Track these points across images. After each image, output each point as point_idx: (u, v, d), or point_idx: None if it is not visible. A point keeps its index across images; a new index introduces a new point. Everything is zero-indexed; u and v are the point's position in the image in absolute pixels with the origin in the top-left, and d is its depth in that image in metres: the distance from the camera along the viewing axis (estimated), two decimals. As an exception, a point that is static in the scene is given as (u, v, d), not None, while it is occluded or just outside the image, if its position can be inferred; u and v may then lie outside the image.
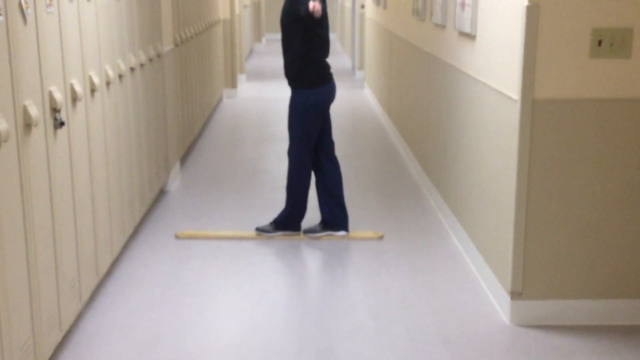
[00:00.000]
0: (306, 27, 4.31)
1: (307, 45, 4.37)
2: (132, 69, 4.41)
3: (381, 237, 4.66)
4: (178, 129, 6.11)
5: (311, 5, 4.11)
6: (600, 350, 3.22)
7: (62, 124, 3.04)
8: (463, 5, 4.26)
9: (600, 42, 3.20)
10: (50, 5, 2.97)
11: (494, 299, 3.70)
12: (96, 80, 3.58)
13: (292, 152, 4.56)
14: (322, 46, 4.45)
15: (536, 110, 3.28)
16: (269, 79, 12.35)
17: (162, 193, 5.56)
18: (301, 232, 4.68)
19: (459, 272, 4.10)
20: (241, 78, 11.47)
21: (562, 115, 3.28)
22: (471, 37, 4.16)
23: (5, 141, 2.49)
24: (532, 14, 3.19)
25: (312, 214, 4.91)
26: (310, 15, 4.15)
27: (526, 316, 3.45)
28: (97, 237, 3.63)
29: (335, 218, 4.64)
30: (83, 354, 3.17)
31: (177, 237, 4.66)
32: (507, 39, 3.48)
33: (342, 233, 4.65)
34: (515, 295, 3.45)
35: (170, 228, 4.81)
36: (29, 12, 2.74)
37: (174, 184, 5.84)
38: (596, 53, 3.21)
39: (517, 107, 3.32)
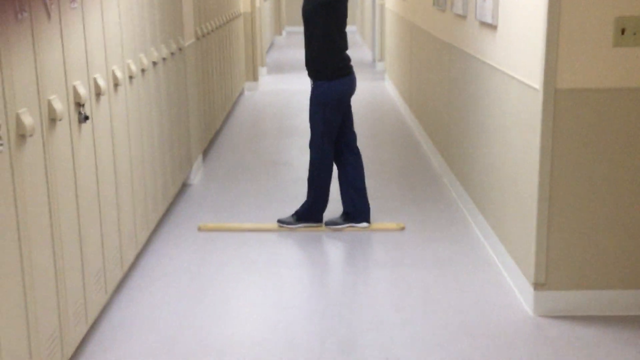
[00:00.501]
0: (328, 16, 4.31)
1: (329, 36, 4.38)
2: (154, 63, 4.43)
3: (403, 229, 4.66)
4: (200, 122, 6.13)
5: None
6: (627, 341, 3.20)
7: (86, 118, 3.06)
8: (484, -5, 4.24)
9: (623, 31, 3.17)
10: (74, 1, 3.00)
11: (516, 290, 3.69)
12: (119, 74, 3.60)
13: (313, 145, 4.57)
14: (343, 38, 4.46)
15: (558, 100, 3.26)
16: (289, 71, 12.35)
17: (184, 186, 5.59)
18: (323, 224, 4.69)
19: (481, 263, 4.08)
20: (262, 71, 11.48)
21: (585, 105, 3.26)
22: (492, 27, 4.13)
23: (31, 135, 2.52)
24: (555, 3, 3.16)
25: (334, 206, 4.91)
26: None
27: (550, 307, 3.44)
28: (121, 231, 3.66)
29: (357, 210, 4.64)
30: (108, 345, 3.21)
31: (199, 229, 4.68)
32: (529, 28, 3.45)
33: (364, 224, 4.65)
34: (538, 285, 3.44)
35: (193, 221, 4.84)
36: (53, 8, 2.77)
37: (197, 177, 5.87)
38: (619, 41, 3.18)
39: (539, 97, 3.30)
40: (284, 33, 19.38)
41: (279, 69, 12.69)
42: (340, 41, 4.45)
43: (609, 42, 3.19)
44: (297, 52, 14.98)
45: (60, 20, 2.85)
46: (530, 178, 3.46)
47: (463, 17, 4.93)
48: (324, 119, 4.48)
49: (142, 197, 4.10)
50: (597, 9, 3.17)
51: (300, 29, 19.27)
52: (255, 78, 10.32)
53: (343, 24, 4.45)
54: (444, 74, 5.73)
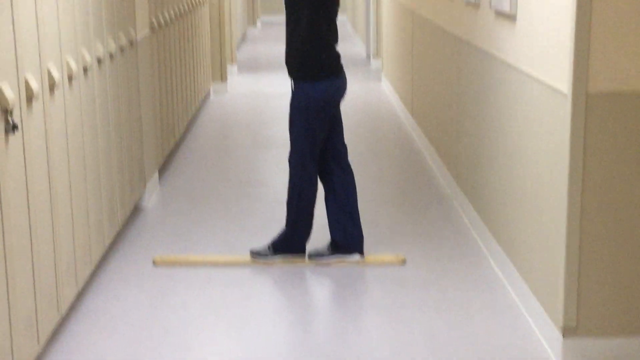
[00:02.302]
0: (315, 4, 4.33)
1: (316, 28, 4.39)
2: (99, 60, 4.43)
3: (403, 262, 4.66)
4: (156, 133, 6.13)
5: None
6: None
7: (14, 127, 3.05)
8: (500, -21, 4.28)
9: (668, 23, 3.20)
10: (0, -16, 2.99)
11: (541, 336, 3.69)
12: (56, 74, 3.60)
13: (293, 159, 4.57)
14: (333, 30, 4.47)
15: (591, 106, 3.28)
16: (265, 70, 12.40)
17: (136, 210, 5.58)
18: (306, 256, 4.68)
19: (499, 303, 4.09)
20: (232, 70, 11.52)
21: (622, 112, 3.28)
22: (511, 17, 4.17)
23: (-54, 150, 2.50)
24: (585, -10, 3.20)
25: (320, 234, 4.91)
26: None
27: (581, 356, 3.44)
28: (57, 266, 3.64)
29: (348, 239, 4.64)
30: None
31: (155, 263, 4.66)
32: (555, 20, 3.48)
33: (356, 257, 4.65)
34: (568, 331, 3.44)
35: (147, 252, 4.82)
36: (-26, -7, 2.76)
37: (151, 199, 5.86)
38: (663, 36, 3.21)
39: (567, 103, 3.32)
40: (258, 24, 19.47)
41: (252, 67, 12.74)
42: (328, 33, 4.46)
43: (650, 36, 3.22)
44: (275, 47, 15.04)
45: (-17, 8, 2.84)
46: (557, 200, 3.47)
47: (475, 5, 4.97)
48: (307, 128, 4.48)
49: (83, 224, 4.08)
50: (634, 0, 3.20)
51: (278, 18, 19.35)
52: (223, 78, 10.36)
53: (334, 12, 4.47)
54: (453, 74, 5.77)
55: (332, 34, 4.47)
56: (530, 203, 3.89)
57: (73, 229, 3.90)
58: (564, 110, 3.36)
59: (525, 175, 3.97)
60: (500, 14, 4.39)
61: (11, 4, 3.12)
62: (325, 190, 4.70)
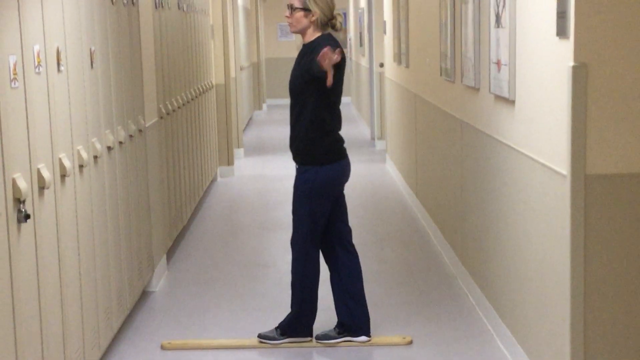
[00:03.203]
0: (320, 91, 4.40)
1: (320, 114, 4.46)
2: (109, 149, 4.50)
3: (410, 343, 4.65)
4: (164, 217, 6.17)
5: (324, 51, 4.16)
6: None
7: (27, 217, 3.10)
8: (499, 64, 4.37)
9: (661, 106, 3.27)
10: (15, 79, 3.08)
11: (550, 418, 3.66)
12: (67, 163, 3.66)
13: (295, 242, 4.61)
14: (337, 116, 4.54)
15: (590, 188, 3.32)
16: (271, 152, 12.49)
17: (145, 295, 5.58)
18: (313, 339, 4.67)
19: (506, 384, 4.06)
20: (238, 153, 11.60)
21: (621, 193, 3.32)
22: (509, 101, 4.25)
23: (-39, 240, 2.55)
24: (580, 76, 3.27)
25: (327, 316, 4.90)
26: (322, 70, 4.21)
27: None
28: (66, 351, 3.64)
29: (354, 320, 4.64)
30: None
31: (163, 348, 4.66)
32: (553, 104, 3.55)
33: (363, 338, 4.64)
34: (575, 412, 3.41)
35: (155, 337, 4.81)
36: (-10, 88, 2.85)
37: (159, 283, 5.86)
38: (658, 118, 3.27)
39: (567, 184, 3.36)
40: (264, 107, 19.67)
41: (258, 150, 12.83)
42: (332, 120, 4.53)
43: (645, 119, 3.28)
44: (281, 129, 15.17)
45: (-2, 102, 2.93)
46: (560, 280, 3.49)
47: (475, 89, 5.06)
48: (310, 211, 4.53)
49: (92, 310, 4.09)
50: (629, 82, 3.27)
51: (284, 101, 19.57)
52: (230, 162, 10.42)
53: (337, 99, 4.55)
54: (455, 155, 5.83)
55: (336, 120, 4.55)
56: (534, 283, 3.90)
57: (82, 314, 3.91)
58: (564, 191, 3.40)
59: (528, 255, 3.99)
60: (499, 97, 4.46)
61: (25, 101, 3.20)
62: (330, 272, 4.72)
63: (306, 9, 4.47)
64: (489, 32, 4.57)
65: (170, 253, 6.64)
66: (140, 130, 5.32)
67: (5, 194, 2.98)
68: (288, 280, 4.99)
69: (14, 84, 3.08)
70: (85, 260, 4.00)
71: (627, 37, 3.28)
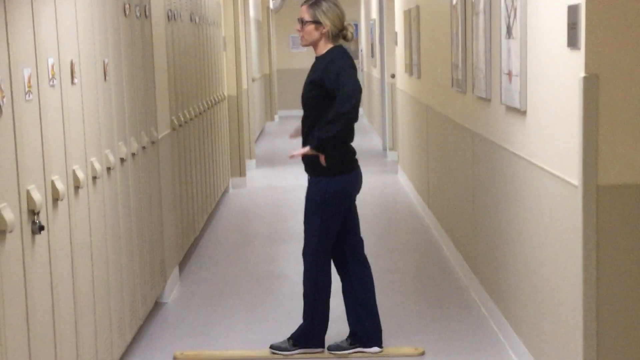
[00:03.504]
0: (332, 104, 4.42)
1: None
2: (122, 160, 4.53)
3: (422, 354, 4.64)
4: (176, 229, 6.19)
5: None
6: None
7: (41, 228, 3.12)
8: (510, 75, 4.38)
9: (673, 116, 3.27)
10: (30, 92, 3.11)
11: None
12: (81, 175, 3.68)
13: (307, 253, 4.62)
14: (349, 128, 4.55)
15: (602, 198, 3.32)
16: (283, 164, 12.50)
17: (157, 306, 5.60)
18: (325, 349, 4.68)
19: (519, 395, 4.05)
20: (250, 164, 11.62)
21: (633, 203, 3.32)
22: (521, 112, 4.25)
23: (-24, 251, 2.57)
24: (591, 87, 3.28)
25: (339, 327, 4.91)
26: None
27: None
28: (80, 362, 3.66)
29: (366, 331, 4.64)
30: None
31: (176, 359, 4.67)
32: (564, 114, 3.56)
33: (375, 349, 4.64)
34: (588, 423, 3.41)
35: (168, 347, 4.83)
36: (5, 101, 2.87)
37: (172, 294, 5.88)
38: (670, 129, 3.28)
39: (578, 195, 3.37)
40: (276, 118, 19.71)
41: (270, 161, 12.85)
42: (345, 131, 4.55)
43: (657, 129, 3.29)
44: (292, 141, 15.17)
45: (13, 115, 2.95)
46: (572, 292, 3.48)
47: (487, 100, 5.07)
48: (322, 222, 4.54)
49: (106, 321, 4.11)
50: (641, 92, 3.27)
51: (296, 112, 19.62)
52: (242, 173, 10.44)
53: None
54: (467, 166, 5.84)
55: (348, 132, 4.56)
56: (546, 294, 3.90)
57: (95, 325, 3.93)
58: (576, 202, 3.40)
59: (540, 266, 3.99)
60: (511, 108, 4.47)
61: (39, 113, 3.23)
62: (342, 283, 4.73)
63: (317, 22, 4.50)
64: (500, 43, 4.58)
65: (183, 264, 6.65)
66: (152, 142, 5.35)
67: (20, 205, 3.00)
68: (300, 291, 5.00)
69: (29, 96, 3.11)
70: (99, 271, 4.02)
71: (638, 48, 3.28)
